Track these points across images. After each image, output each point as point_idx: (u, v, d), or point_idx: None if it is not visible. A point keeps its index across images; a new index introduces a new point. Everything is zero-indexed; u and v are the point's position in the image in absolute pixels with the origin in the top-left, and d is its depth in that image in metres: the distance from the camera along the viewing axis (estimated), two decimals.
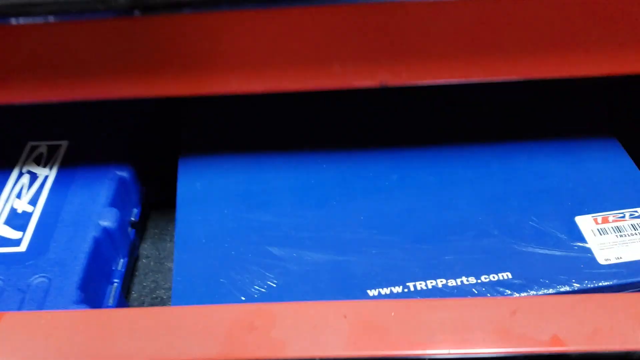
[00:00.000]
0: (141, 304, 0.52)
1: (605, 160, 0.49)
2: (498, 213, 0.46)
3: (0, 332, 0.31)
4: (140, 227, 0.57)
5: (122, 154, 0.53)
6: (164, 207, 0.61)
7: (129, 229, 0.53)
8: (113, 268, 0.49)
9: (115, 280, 0.49)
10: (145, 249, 0.57)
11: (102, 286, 0.47)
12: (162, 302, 0.53)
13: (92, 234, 0.46)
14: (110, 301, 0.47)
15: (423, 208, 0.46)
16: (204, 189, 0.49)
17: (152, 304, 0.53)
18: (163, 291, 0.54)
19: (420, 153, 0.51)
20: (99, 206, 0.48)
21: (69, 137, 0.55)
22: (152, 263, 0.56)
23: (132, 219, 0.53)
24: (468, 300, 0.32)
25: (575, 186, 0.47)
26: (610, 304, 0.31)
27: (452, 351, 0.30)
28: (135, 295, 0.53)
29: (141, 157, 0.56)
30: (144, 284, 0.54)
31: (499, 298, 0.31)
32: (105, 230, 0.47)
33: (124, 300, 0.49)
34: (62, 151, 0.53)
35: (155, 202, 0.61)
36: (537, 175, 0.48)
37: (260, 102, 0.57)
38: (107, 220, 0.47)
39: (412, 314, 0.31)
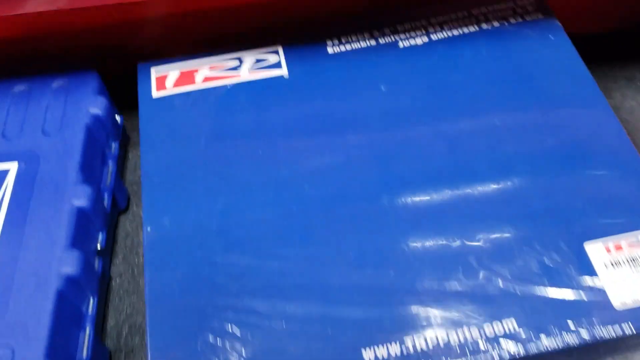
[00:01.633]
0: (119, 337, 0.49)
1: (615, 165, 0.44)
2: (502, 245, 0.41)
3: None
4: (108, 247, 0.52)
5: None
6: (132, 209, 0.56)
7: (96, 260, 0.48)
8: (83, 311, 0.45)
9: (87, 325, 0.45)
10: (117, 265, 0.53)
11: (72, 337, 0.43)
12: (142, 333, 0.49)
13: (54, 286, 0.42)
14: (84, 353, 0.43)
15: (420, 243, 0.42)
16: (173, 227, 0.44)
17: (130, 334, 0.49)
18: (141, 317, 0.50)
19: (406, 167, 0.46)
20: (58, 249, 0.43)
21: (18, 158, 0.49)
22: (125, 283, 0.52)
23: (98, 247, 0.49)
24: None
25: (583, 205, 0.42)
26: None
27: None
28: (112, 323, 0.50)
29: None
30: (120, 309, 0.51)
31: None
32: (69, 278, 0.43)
33: (99, 346, 0.45)
34: (11, 177, 0.47)
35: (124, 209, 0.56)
36: (540, 193, 0.43)
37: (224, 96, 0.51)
38: (70, 267, 0.43)
39: None
